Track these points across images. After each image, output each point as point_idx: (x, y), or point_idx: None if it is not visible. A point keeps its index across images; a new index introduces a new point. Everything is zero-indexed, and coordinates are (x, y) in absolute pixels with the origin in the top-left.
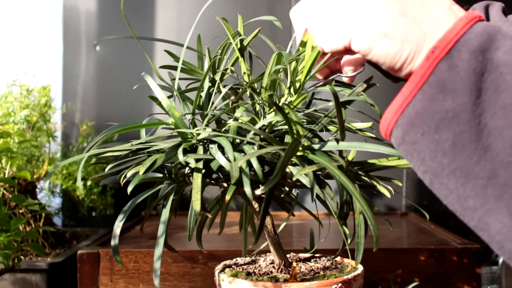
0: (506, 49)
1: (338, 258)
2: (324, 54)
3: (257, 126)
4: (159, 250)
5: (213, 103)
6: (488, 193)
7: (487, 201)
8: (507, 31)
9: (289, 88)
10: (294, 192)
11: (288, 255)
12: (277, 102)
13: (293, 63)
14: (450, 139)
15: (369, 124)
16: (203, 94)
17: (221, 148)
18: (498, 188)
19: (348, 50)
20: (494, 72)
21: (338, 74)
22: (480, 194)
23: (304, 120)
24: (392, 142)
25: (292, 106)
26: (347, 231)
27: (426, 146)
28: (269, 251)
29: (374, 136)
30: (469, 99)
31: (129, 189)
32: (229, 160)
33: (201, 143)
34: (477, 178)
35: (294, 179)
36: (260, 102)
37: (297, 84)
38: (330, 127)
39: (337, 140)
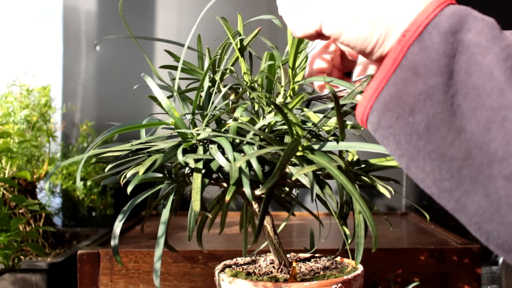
0: (477, 30)
1: (338, 258)
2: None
3: (257, 126)
4: (159, 250)
5: (213, 103)
6: (464, 174)
7: (463, 182)
8: (479, 13)
9: (287, 88)
10: (295, 192)
11: (288, 255)
12: (274, 101)
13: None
14: (424, 121)
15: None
16: (203, 94)
17: (221, 148)
18: (474, 169)
19: (320, 35)
20: (466, 53)
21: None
22: (456, 175)
23: (303, 119)
24: (369, 128)
25: (290, 106)
26: (347, 231)
27: (401, 129)
28: (269, 251)
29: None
30: (441, 81)
31: (129, 189)
32: (229, 160)
33: (201, 143)
34: (452, 160)
35: (293, 179)
36: (258, 101)
37: (295, 85)
38: (328, 128)
39: (337, 140)
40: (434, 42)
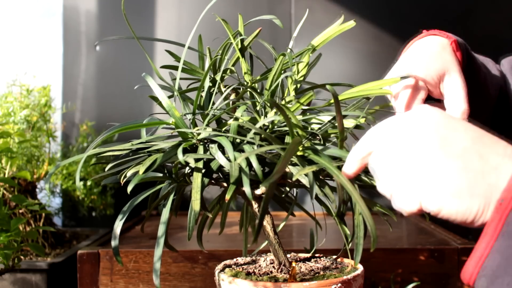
0: None
1: (339, 258)
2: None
3: (258, 125)
4: (159, 250)
5: (213, 103)
6: None
7: None
8: None
9: (295, 89)
10: (294, 192)
11: (288, 255)
12: (279, 102)
13: (296, 65)
14: None
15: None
16: (203, 94)
17: (221, 148)
18: None
19: (422, 210)
20: None
21: None
22: None
23: (304, 125)
24: None
25: (297, 106)
26: (347, 231)
27: None
28: (269, 251)
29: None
30: None
31: (129, 188)
32: (229, 160)
33: (201, 143)
34: None
35: (294, 179)
36: (263, 103)
37: (299, 85)
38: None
39: (337, 138)
40: None
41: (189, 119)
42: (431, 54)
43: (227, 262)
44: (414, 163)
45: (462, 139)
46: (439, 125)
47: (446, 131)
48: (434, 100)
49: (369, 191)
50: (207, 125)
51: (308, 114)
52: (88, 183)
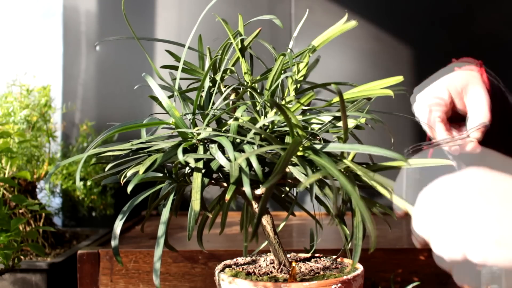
0: None
1: (339, 258)
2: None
3: (258, 125)
4: (159, 250)
5: (213, 103)
6: None
7: None
8: None
9: (295, 89)
10: (294, 191)
11: (288, 255)
12: (280, 102)
13: (296, 65)
14: None
15: (362, 120)
16: (203, 94)
17: (222, 148)
18: None
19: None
20: None
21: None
22: None
23: (305, 123)
24: None
25: (297, 106)
26: (347, 231)
27: None
28: (269, 251)
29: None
30: None
31: (129, 188)
32: (229, 160)
33: (201, 143)
34: None
35: (301, 188)
36: (263, 103)
37: (299, 85)
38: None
39: (339, 138)
40: None
41: (189, 119)
42: (456, 72)
43: (227, 262)
44: (457, 212)
45: (505, 192)
46: (483, 187)
47: (490, 191)
48: (459, 116)
49: (369, 191)
50: (207, 125)
51: (308, 114)
52: (88, 183)
